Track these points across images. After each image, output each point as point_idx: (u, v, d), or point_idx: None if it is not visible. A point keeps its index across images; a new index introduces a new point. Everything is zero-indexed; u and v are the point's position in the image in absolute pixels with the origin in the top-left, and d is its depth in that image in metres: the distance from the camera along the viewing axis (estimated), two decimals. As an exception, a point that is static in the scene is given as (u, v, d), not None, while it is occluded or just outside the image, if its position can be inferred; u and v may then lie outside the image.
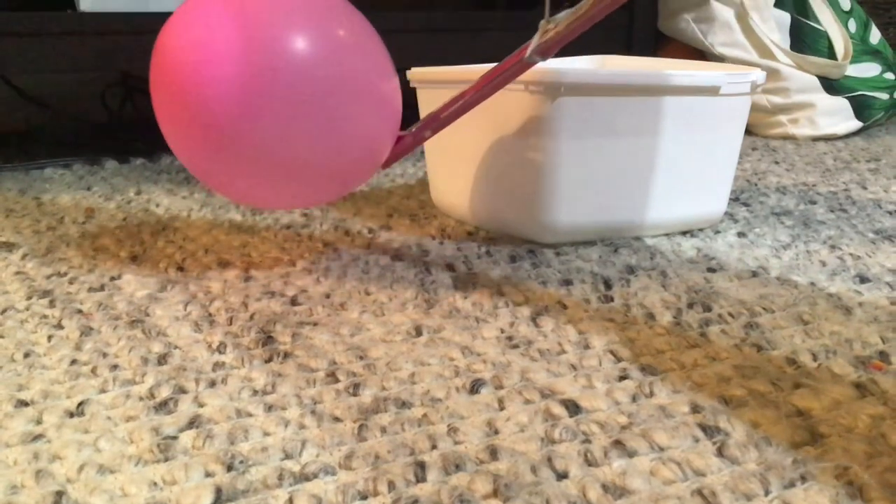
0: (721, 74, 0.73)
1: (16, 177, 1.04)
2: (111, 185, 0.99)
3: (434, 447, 0.41)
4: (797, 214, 0.83)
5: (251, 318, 0.57)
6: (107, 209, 0.87)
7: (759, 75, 0.75)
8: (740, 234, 0.76)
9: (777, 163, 1.11)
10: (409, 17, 1.24)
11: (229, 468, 0.39)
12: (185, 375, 0.48)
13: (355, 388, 0.46)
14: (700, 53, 1.40)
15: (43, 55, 1.02)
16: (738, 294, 0.61)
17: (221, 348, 0.52)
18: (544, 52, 0.58)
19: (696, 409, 0.44)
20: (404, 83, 0.79)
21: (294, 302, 0.60)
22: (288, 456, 0.40)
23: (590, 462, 0.39)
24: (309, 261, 0.69)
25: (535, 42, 0.58)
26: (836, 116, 1.33)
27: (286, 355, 0.51)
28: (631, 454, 0.40)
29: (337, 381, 0.47)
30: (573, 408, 0.44)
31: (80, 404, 0.45)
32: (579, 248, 0.72)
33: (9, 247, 0.74)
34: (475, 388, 0.46)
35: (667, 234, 0.76)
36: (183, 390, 0.47)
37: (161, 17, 0.60)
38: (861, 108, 1.34)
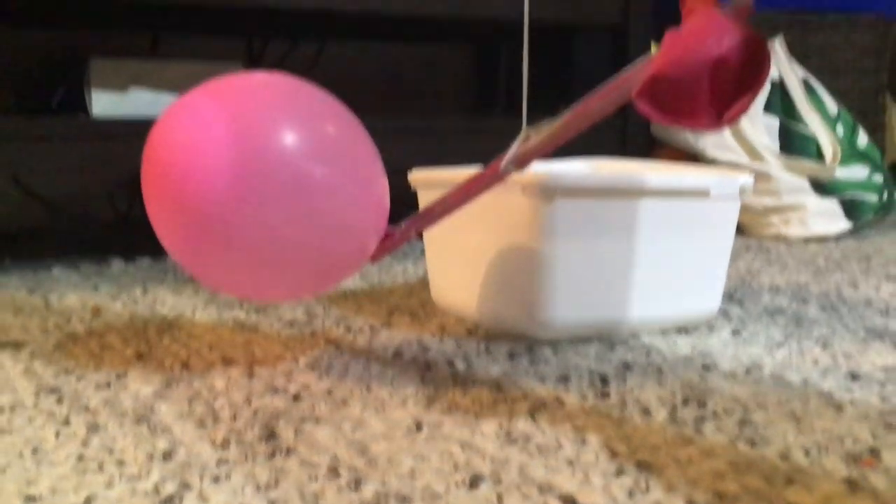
0: (711, 178, 0.76)
1: (24, 276, 1.06)
2: (118, 284, 1.01)
3: (434, 541, 0.41)
4: (790, 313, 0.85)
5: (254, 414, 0.58)
6: (113, 308, 0.89)
7: (747, 179, 0.78)
8: (734, 332, 0.78)
9: (770, 262, 1.14)
10: (410, 120, 1.28)
11: (233, 562, 0.40)
12: (190, 471, 0.49)
13: (357, 484, 0.47)
14: (693, 156, 1.44)
15: (54, 157, 1.05)
16: (733, 391, 0.62)
17: (225, 444, 0.53)
18: (520, 163, 0.60)
19: None
20: (402, 184, 0.82)
21: (297, 398, 0.61)
22: (291, 550, 0.41)
23: (587, 556, 0.40)
24: (311, 358, 0.71)
25: (511, 152, 0.60)
26: (827, 217, 1.36)
27: (289, 451, 0.52)
28: (627, 548, 0.40)
29: (339, 476, 0.48)
30: (571, 503, 0.45)
31: (87, 500, 0.46)
32: (576, 345, 0.73)
33: (17, 345, 0.75)
34: (474, 483, 0.47)
35: (662, 332, 0.78)
36: (188, 486, 0.47)
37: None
38: (851, 209, 1.37)
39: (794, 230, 1.35)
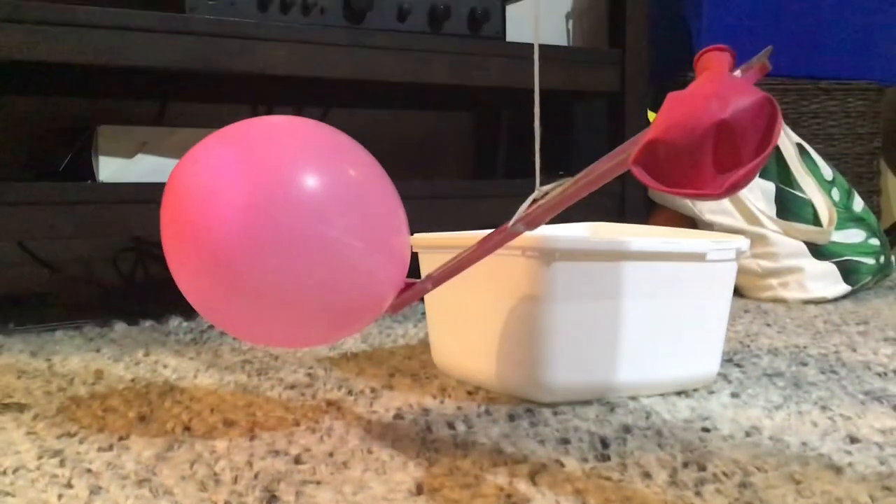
0: (707, 242, 0.77)
1: (28, 339, 1.07)
2: (120, 347, 1.01)
3: None
4: (789, 376, 0.85)
5: (255, 476, 0.58)
6: (115, 370, 0.90)
7: (743, 243, 0.79)
8: (733, 395, 0.78)
9: (768, 325, 1.14)
10: (410, 184, 1.30)
11: None
12: (192, 533, 0.49)
13: (358, 546, 0.47)
14: (690, 220, 1.46)
15: (59, 222, 1.06)
16: (732, 454, 0.62)
17: (227, 507, 0.53)
18: (530, 223, 0.60)
19: (691, 566, 0.45)
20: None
21: (298, 461, 0.61)
22: None
23: None
24: (313, 420, 0.71)
25: (521, 212, 0.60)
26: (825, 280, 1.37)
27: (290, 513, 0.52)
28: None
29: (340, 538, 0.49)
30: (571, 565, 0.45)
31: (88, 561, 0.46)
32: (576, 407, 0.74)
33: (20, 407, 0.75)
34: (475, 545, 0.47)
35: (661, 394, 0.78)
36: (189, 548, 0.48)
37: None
38: (848, 272, 1.38)
39: (793, 293, 1.36)
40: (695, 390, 0.80)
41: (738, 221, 1.40)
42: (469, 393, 0.79)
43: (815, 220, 1.40)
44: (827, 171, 1.49)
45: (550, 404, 0.74)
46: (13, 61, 1.04)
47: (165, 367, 0.91)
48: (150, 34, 1.09)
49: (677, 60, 1.65)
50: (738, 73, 0.48)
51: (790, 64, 1.72)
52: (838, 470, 0.59)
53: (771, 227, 1.39)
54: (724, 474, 0.58)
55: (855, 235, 1.43)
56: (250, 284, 0.61)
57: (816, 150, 1.54)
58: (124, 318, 1.16)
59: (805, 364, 0.91)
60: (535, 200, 0.58)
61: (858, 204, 1.49)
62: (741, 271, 0.76)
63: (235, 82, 1.35)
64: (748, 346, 1.00)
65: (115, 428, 0.70)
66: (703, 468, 0.59)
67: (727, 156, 0.45)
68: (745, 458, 0.61)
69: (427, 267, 0.84)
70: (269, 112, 1.45)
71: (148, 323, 1.16)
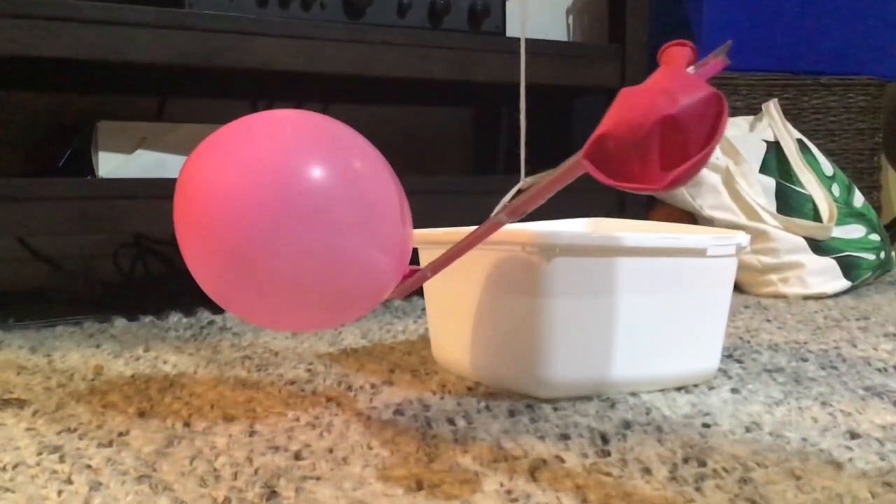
0: (707, 238, 0.77)
1: (27, 335, 1.07)
2: (120, 343, 1.01)
3: None
4: (789, 371, 0.85)
5: (255, 472, 0.58)
6: (115, 366, 0.90)
7: (743, 238, 0.79)
8: (734, 390, 0.78)
9: (769, 320, 1.14)
10: (410, 180, 1.30)
11: None
12: (191, 529, 0.49)
13: (358, 542, 0.47)
14: (690, 216, 1.46)
15: (59, 218, 1.06)
16: (732, 449, 0.62)
17: (226, 503, 0.53)
18: (512, 213, 0.61)
19: (691, 562, 0.45)
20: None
21: (298, 457, 0.61)
22: None
23: None
24: (312, 416, 0.71)
25: (504, 202, 0.61)
26: (825, 276, 1.37)
27: (290, 509, 0.52)
28: None
29: (340, 534, 0.49)
30: (571, 561, 0.45)
31: (88, 557, 0.46)
32: (576, 403, 0.74)
33: (20, 403, 0.75)
34: (475, 541, 0.47)
35: (662, 390, 0.78)
36: (189, 544, 0.48)
37: (174, 182, 0.65)
38: (848, 268, 1.38)
39: (793, 289, 1.36)
40: (695, 386, 0.80)
41: (739, 217, 1.40)
42: (469, 389, 0.79)
43: (816, 216, 1.40)
44: (827, 167, 1.49)
45: (550, 400, 0.74)
46: (13, 57, 1.03)
47: (165, 362, 0.91)
48: (150, 29, 1.09)
49: (678, 56, 1.65)
50: (691, 69, 0.48)
51: (791, 59, 1.72)
52: (838, 465, 0.59)
53: (771, 222, 1.38)
54: (725, 470, 0.58)
55: (855, 231, 1.43)
56: (253, 268, 0.62)
57: (817, 145, 1.53)
58: (124, 313, 1.16)
59: (805, 360, 0.90)
60: (519, 191, 0.59)
61: (859, 199, 1.49)
62: (741, 267, 0.76)
63: (235, 78, 1.35)
64: (748, 342, 1.00)
65: (115, 424, 0.69)
66: (703, 464, 0.59)
67: (675, 150, 0.45)
68: (745, 454, 0.61)
69: (427, 262, 0.84)
70: (269, 107, 1.45)
71: (148, 319, 1.16)
